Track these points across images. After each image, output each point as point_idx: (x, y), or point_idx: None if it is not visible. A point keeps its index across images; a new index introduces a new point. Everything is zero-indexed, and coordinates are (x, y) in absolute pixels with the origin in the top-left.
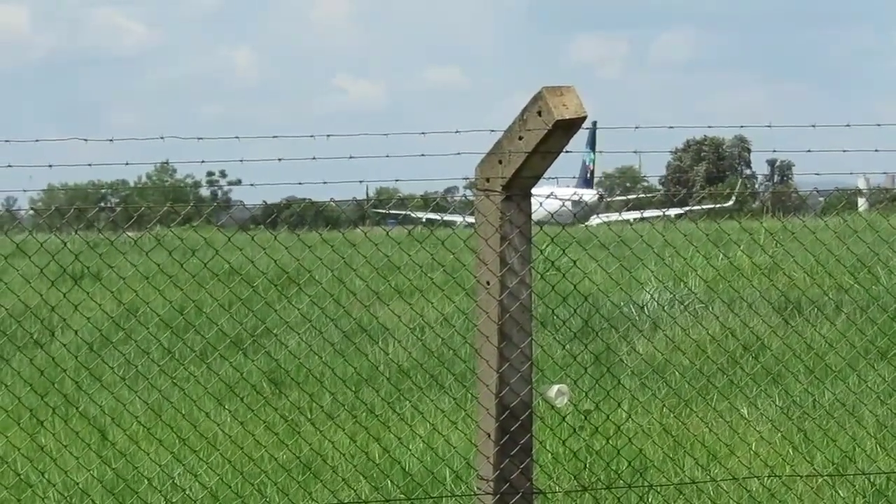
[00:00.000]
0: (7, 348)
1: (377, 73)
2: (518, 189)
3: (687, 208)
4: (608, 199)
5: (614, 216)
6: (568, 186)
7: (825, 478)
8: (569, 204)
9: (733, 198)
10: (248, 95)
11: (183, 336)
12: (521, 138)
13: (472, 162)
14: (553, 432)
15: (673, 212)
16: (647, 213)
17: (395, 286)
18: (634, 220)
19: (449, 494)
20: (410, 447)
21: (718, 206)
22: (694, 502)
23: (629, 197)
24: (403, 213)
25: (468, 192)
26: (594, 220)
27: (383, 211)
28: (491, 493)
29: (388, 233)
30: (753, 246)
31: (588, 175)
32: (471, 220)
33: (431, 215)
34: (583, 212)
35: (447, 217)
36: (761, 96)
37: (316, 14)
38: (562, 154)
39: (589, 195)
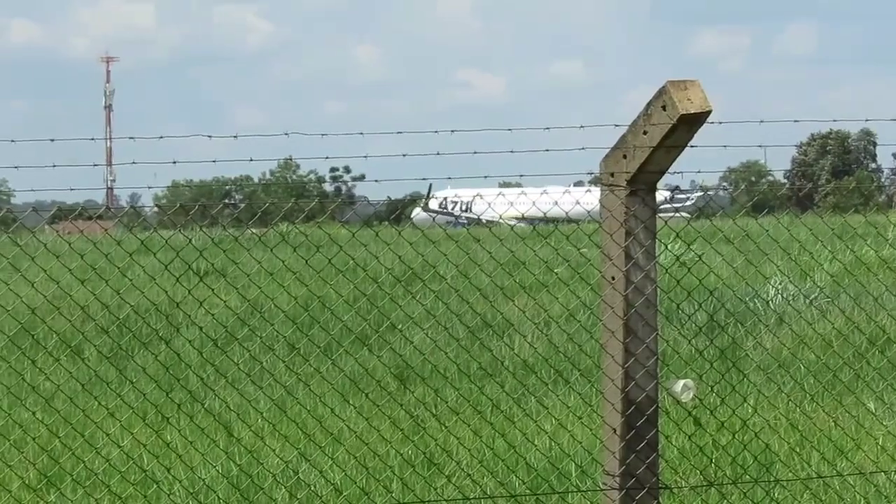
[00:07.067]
0: (132, 345)
1: (500, 68)
2: (642, 184)
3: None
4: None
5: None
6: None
7: None
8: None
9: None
10: (372, 91)
11: (307, 332)
12: (645, 133)
13: (596, 157)
14: (679, 427)
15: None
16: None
17: (520, 281)
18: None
19: (574, 490)
20: (535, 442)
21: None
22: (820, 497)
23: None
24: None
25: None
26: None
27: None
28: (617, 489)
29: (511, 228)
30: (880, 240)
31: None
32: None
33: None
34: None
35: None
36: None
37: (440, 8)
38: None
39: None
